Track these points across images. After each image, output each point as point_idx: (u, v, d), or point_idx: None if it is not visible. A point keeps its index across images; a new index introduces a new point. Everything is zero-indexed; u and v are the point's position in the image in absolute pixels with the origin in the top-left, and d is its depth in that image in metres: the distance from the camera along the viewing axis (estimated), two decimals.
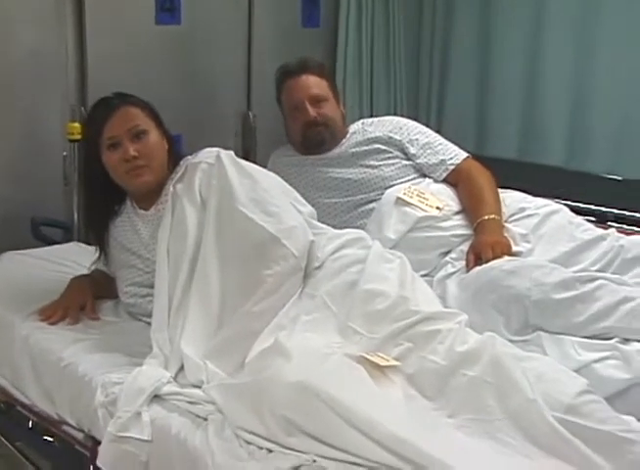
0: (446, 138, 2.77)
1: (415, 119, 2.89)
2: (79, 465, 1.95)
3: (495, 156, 3.70)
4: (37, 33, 3.02)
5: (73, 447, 2.00)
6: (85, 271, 2.46)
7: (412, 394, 1.69)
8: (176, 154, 2.27)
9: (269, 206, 2.07)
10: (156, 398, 1.80)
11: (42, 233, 2.98)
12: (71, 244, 2.93)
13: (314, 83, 2.71)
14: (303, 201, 2.27)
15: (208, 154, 2.19)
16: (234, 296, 1.97)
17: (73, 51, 3.11)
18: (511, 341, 1.91)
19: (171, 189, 2.16)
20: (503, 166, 2.87)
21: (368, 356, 1.73)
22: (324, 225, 2.25)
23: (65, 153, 3.06)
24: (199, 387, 1.82)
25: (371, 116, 4.00)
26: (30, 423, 2.14)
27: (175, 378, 1.87)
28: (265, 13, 3.75)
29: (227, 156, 2.17)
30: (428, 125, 2.90)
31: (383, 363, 1.71)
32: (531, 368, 1.67)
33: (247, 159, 2.27)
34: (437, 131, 2.85)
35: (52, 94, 3.09)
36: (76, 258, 2.66)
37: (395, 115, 3.87)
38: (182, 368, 1.88)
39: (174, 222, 2.11)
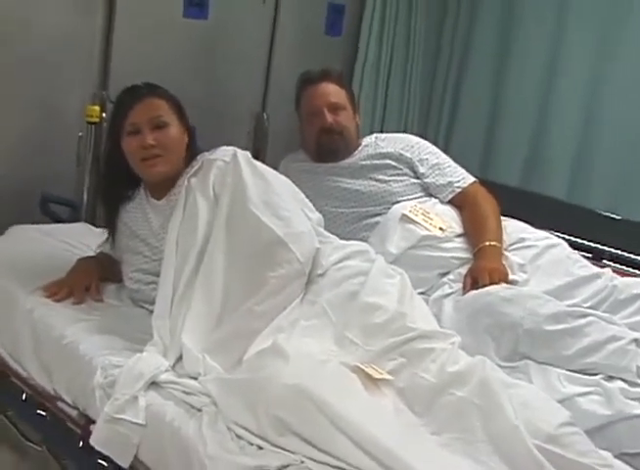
0: (452, 159, 2.83)
1: (423, 137, 2.95)
2: (70, 441, 1.99)
3: (498, 181, 3.75)
4: (68, 16, 3.06)
5: (65, 424, 2.04)
6: (91, 252, 2.51)
7: (401, 408, 1.75)
8: (194, 149, 2.32)
9: (280, 210, 2.12)
10: (153, 384, 1.85)
11: (50, 210, 3.02)
12: (80, 224, 2.97)
13: (334, 92, 2.77)
14: (313, 207, 2.31)
15: (225, 152, 2.24)
16: (237, 293, 2.01)
17: (101, 36, 3.16)
18: (499, 366, 1.96)
19: (185, 182, 2.20)
20: (504, 193, 2.92)
21: (363, 367, 1.79)
22: (330, 234, 2.30)
23: (80, 133, 3.10)
24: (195, 378, 1.87)
25: (381, 129, 4.08)
26: (24, 395, 2.17)
27: (173, 367, 1.92)
28: (290, 17, 3.80)
29: (243, 156, 2.22)
30: (435, 144, 2.94)
31: (376, 376, 1.77)
32: (518, 395, 1.73)
33: (256, 159, 2.32)
34: (444, 151, 2.90)
35: (75, 76, 3.13)
36: (83, 238, 2.70)
37: (405, 130, 3.96)
38: (180, 358, 1.93)
39: (185, 215, 2.15)
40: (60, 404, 2.06)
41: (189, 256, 2.08)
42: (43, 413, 2.11)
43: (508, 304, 2.15)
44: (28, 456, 2.24)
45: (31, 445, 2.17)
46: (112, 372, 1.89)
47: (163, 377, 1.87)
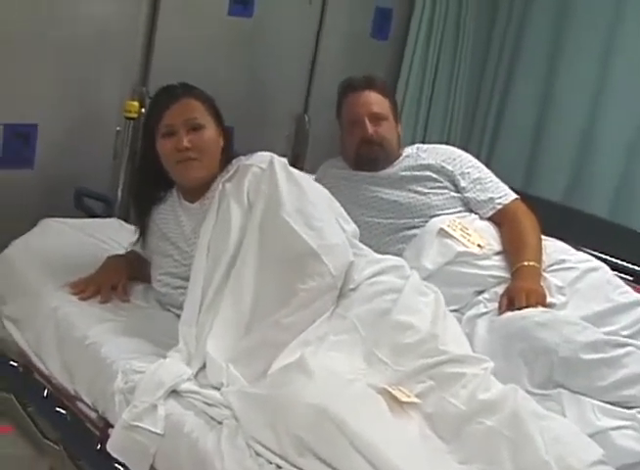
0: (494, 172, 2.76)
1: (465, 149, 2.88)
2: (87, 443, 1.96)
3: (540, 196, 3.67)
4: (111, 10, 3.05)
5: (84, 424, 2.01)
6: (121, 250, 2.48)
7: (427, 433, 1.70)
8: (230, 152, 2.28)
9: (313, 220, 2.07)
10: (173, 393, 1.81)
11: (85, 204, 3.01)
12: (112, 219, 2.94)
13: (376, 101, 2.71)
14: (348, 218, 2.26)
15: (262, 158, 2.20)
16: (266, 303, 1.97)
17: (144, 31, 3.14)
18: (531, 392, 1.92)
19: (220, 187, 2.16)
20: (545, 209, 2.84)
21: (390, 389, 1.73)
22: (365, 247, 2.24)
23: (118, 128, 3.08)
24: (218, 389, 1.82)
25: (424, 138, 4.01)
26: (46, 392, 2.15)
27: (196, 376, 1.87)
28: (336, 19, 3.75)
29: (280, 163, 2.18)
30: (478, 157, 2.88)
31: (404, 399, 1.72)
32: (549, 428, 1.67)
33: (295, 163, 2.27)
34: (486, 164, 2.83)
35: (116, 70, 3.12)
36: (114, 235, 2.67)
37: (448, 141, 3.88)
38: (204, 367, 1.89)
39: (218, 220, 2.12)
40: (79, 405, 2.04)
41: (220, 261, 2.04)
42: (63, 411, 2.09)
43: (543, 329, 2.08)
44: (46, 454, 2.22)
45: (49, 442, 2.15)
46: (132, 377, 1.86)
47: (185, 386, 1.82)
